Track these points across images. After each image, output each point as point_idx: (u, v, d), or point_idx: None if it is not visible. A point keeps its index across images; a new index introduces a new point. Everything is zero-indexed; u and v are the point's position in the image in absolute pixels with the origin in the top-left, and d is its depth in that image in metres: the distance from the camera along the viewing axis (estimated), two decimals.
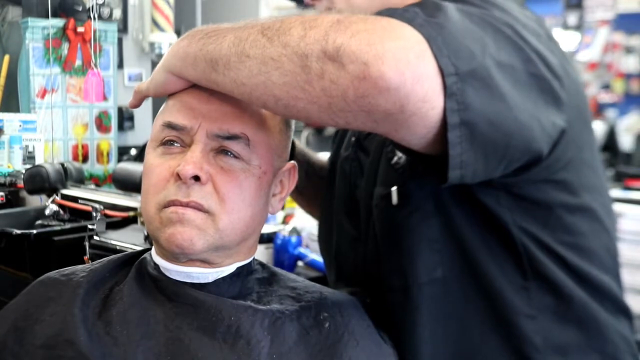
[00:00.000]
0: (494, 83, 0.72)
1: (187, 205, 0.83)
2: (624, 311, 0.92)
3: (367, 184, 0.98)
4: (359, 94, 0.68)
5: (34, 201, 2.25)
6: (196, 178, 0.83)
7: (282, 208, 1.24)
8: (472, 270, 0.86)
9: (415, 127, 0.71)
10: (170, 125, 0.87)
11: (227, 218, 0.85)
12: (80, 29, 2.41)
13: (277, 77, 0.72)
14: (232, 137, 0.85)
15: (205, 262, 0.88)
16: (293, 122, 0.97)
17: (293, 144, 1.13)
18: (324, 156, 1.26)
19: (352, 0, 0.91)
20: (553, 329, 0.86)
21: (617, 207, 2.61)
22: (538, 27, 0.83)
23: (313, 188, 1.20)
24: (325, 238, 1.14)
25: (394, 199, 0.89)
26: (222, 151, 0.86)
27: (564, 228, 0.86)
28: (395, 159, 0.92)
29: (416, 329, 0.88)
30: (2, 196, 2.18)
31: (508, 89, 0.73)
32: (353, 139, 1.07)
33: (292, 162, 0.96)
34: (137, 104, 0.95)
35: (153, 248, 0.92)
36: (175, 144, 0.87)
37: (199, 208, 0.84)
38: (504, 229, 0.84)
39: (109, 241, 1.73)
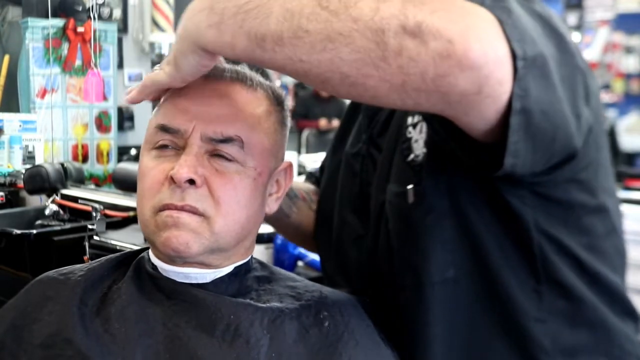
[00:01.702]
0: (549, 72, 0.71)
1: (182, 209, 0.83)
2: (631, 313, 0.92)
3: (380, 181, 0.97)
4: (439, 72, 0.66)
5: (34, 201, 2.25)
6: (191, 181, 0.83)
7: None
8: (484, 271, 0.85)
9: (487, 110, 0.69)
10: (163, 128, 0.87)
11: (223, 221, 0.85)
12: (80, 29, 2.41)
13: (347, 53, 0.68)
14: (226, 140, 0.85)
15: (203, 265, 0.88)
16: (289, 120, 0.97)
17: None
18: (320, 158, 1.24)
19: None
20: (563, 332, 0.86)
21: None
22: (562, 25, 0.83)
23: (297, 209, 1.18)
24: (323, 237, 1.14)
25: (410, 197, 0.88)
26: (217, 155, 0.85)
27: (581, 229, 0.86)
28: (412, 156, 0.91)
29: (427, 328, 0.88)
30: (2, 196, 2.18)
31: (557, 80, 0.72)
32: (364, 136, 1.06)
33: (288, 161, 0.96)
34: (153, 97, 0.89)
35: (150, 250, 0.92)
36: (169, 147, 0.87)
37: (194, 211, 0.83)
38: (522, 230, 0.83)
39: (109, 241, 1.73)
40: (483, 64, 0.65)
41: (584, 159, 0.83)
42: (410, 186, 0.89)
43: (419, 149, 0.90)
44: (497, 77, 0.67)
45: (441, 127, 0.80)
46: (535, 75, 0.70)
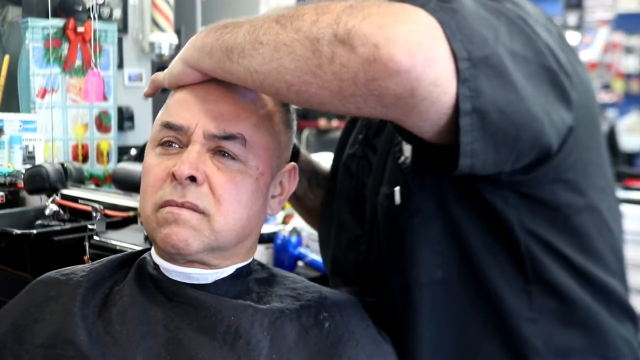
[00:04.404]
0: (507, 72, 0.71)
1: (182, 205, 0.83)
2: (629, 315, 0.91)
3: (374, 183, 0.97)
4: (369, 76, 0.68)
5: (34, 201, 2.25)
6: (192, 179, 0.83)
7: (282, 208, 1.23)
8: (472, 272, 0.85)
9: (426, 112, 0.70)
10: (168, 125, 0.87)
11: (223, 219, 0.85)
12: (80, 29, 2.41)
13: (289, 62, 0.72)
14: (228, 137, 0.85)
15: (204, 264, 0.88)
16: (294, 123, 0.97)
17: (298, 151, 1.12)
18: (326, 160, 1.25)
19: None
20: (555, 332, 0.85)
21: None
22: (549, 24, 0.83)
23: (314, 197, 1.19)
24: (325, 237, 1.14)
25: (397, 199, 0.89)
26: (219, 152, 0.86)
27: (570, 229, 0.85)
28: (403, 158, 0.91)
29: (416, 330, 0.88)
30: (2, 196, 2.18)
31: (520, 79, 0.72)
32: (360, 136, 1.06)
33: (293, 163, 0.96)
34: (152, 93, 0.95)
35: (153, 248, 0.92)
36: (174, 145, 0.87)
37: (194, 209, 0.84)
38: (508, 231, 0.83)
39: (109, 241, 1.73)
40: (410, 66, 0.66)
41: (569, 159, 0.82)
42: (397, 188, 0.89)
43: (409, 150, 0.90)
44: (430, 79, 0.67)
45: (397, 129, 0.80)
46: (488, 75, 0.70)
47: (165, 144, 0.87)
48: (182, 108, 0.87)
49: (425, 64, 0.66)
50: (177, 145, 0.87)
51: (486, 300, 0.85)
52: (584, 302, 0.86)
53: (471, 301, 0.86)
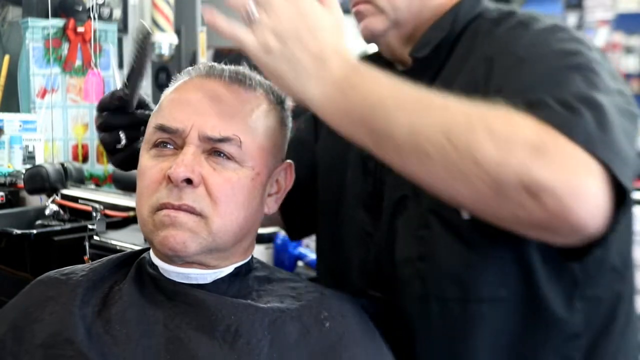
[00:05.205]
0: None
1: (179, 208, 0.83)
2: (636, 316, 0.93)
3: (394, 181, 0.95)
4: (546, 223, 0.70)
5: (34, 201, 2.26)
6: (188, 181, 0.83)
7: None
8: (533, 294, 0.86)
9: (570, 237, 0.73)
10: (162, 128, 0.87)
11: (220, 220, 0.85)
12: (80, 29, 2.42)
13: (464, 189, 0.72)
14: (224, 140, 0.85)
15: (202, 265, 0.88)
16: (290, 120, 0.97)
17: None
18: None
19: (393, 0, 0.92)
20: (605, 350, 0.88)
21: None
22: (611, 67, 0.85)
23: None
24: (325, 234, 1.13)
25: (465, 213, 0.86)
26: (215, 152, 0.85)
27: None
28: None
29: (472, 341, 0.87)
30: (2, 196, 2.19)
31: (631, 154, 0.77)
32: None
33: (289, 161, 0.96)
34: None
35: (150, 249, 0.92)
36: (168, 146, 0.87)
37: (191, 211, 0.83)
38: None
39: (109, 241, 1.73)
40: (587, 223, 0.70)
41: None
42: None
43: None
44: (598, 225, 0.71)
45: None
46: (630, 179, 0.74)
47: (159, 145, 0.87)
48: (177, 110, 0.87)
49: (598, 220, 0.70)
50: (171, 146, 0.87)
51: (544, 322, 0.86)
52: (623, 313, 0.89)
53: (529, 322, 0.87)
